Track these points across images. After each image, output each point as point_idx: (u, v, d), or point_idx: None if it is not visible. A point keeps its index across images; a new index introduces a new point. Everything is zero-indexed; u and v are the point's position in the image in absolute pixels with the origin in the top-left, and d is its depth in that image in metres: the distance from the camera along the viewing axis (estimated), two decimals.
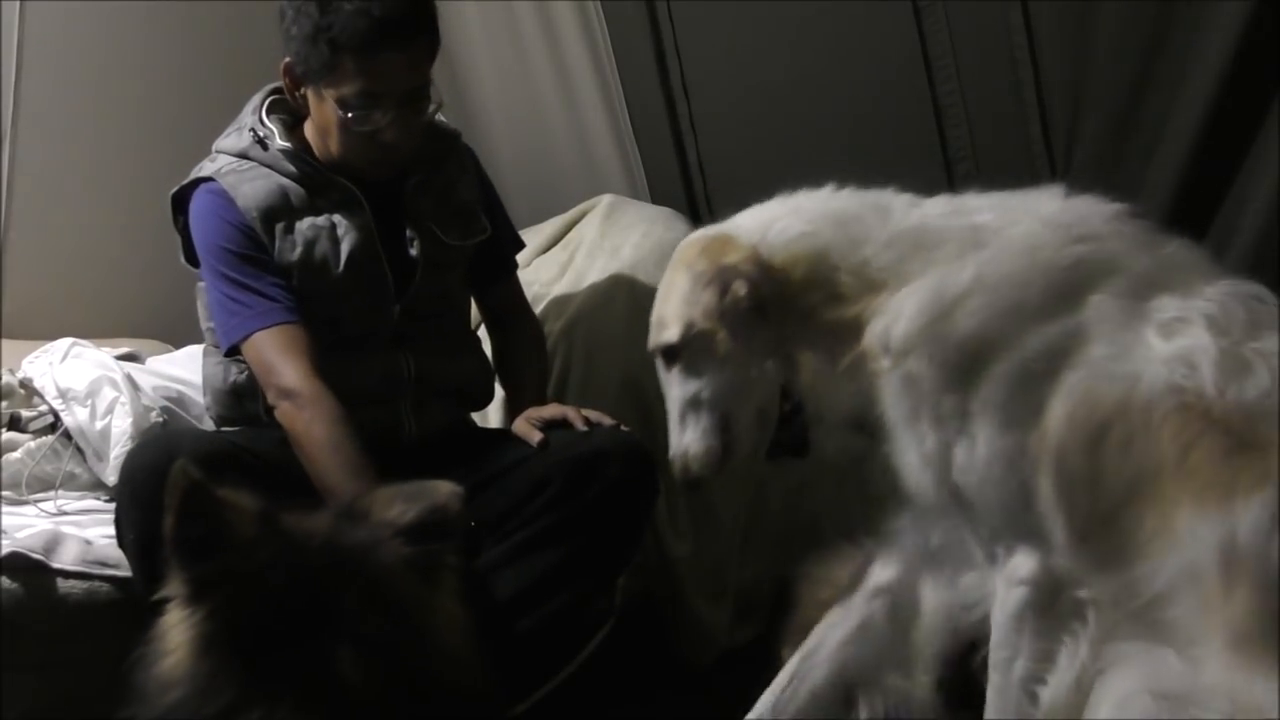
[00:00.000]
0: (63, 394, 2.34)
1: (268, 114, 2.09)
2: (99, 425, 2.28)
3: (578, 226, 2.98)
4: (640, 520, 2.04)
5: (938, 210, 1.64)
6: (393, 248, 2.07)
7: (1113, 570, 1.42)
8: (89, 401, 2.31)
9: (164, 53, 3.05)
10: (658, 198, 3.09)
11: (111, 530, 2.06)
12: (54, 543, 1.93)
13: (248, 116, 2.09)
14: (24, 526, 2.03)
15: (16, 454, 2.25)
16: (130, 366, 2.48)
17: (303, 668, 0.96)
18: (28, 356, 2.47)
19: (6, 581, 1.83)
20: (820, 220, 1.65)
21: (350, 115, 1.94)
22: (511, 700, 1.77)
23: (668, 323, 1.64)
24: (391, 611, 1.00)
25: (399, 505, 1.09)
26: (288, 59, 1.99)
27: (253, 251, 1.98)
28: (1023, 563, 1.48)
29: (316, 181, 2.03)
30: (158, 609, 1.09)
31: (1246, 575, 1.35)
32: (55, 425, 2.33)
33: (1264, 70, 2.28)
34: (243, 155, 2.04)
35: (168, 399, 2.39)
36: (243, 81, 3.13)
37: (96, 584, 1.90)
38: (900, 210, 1.64)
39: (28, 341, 2.60)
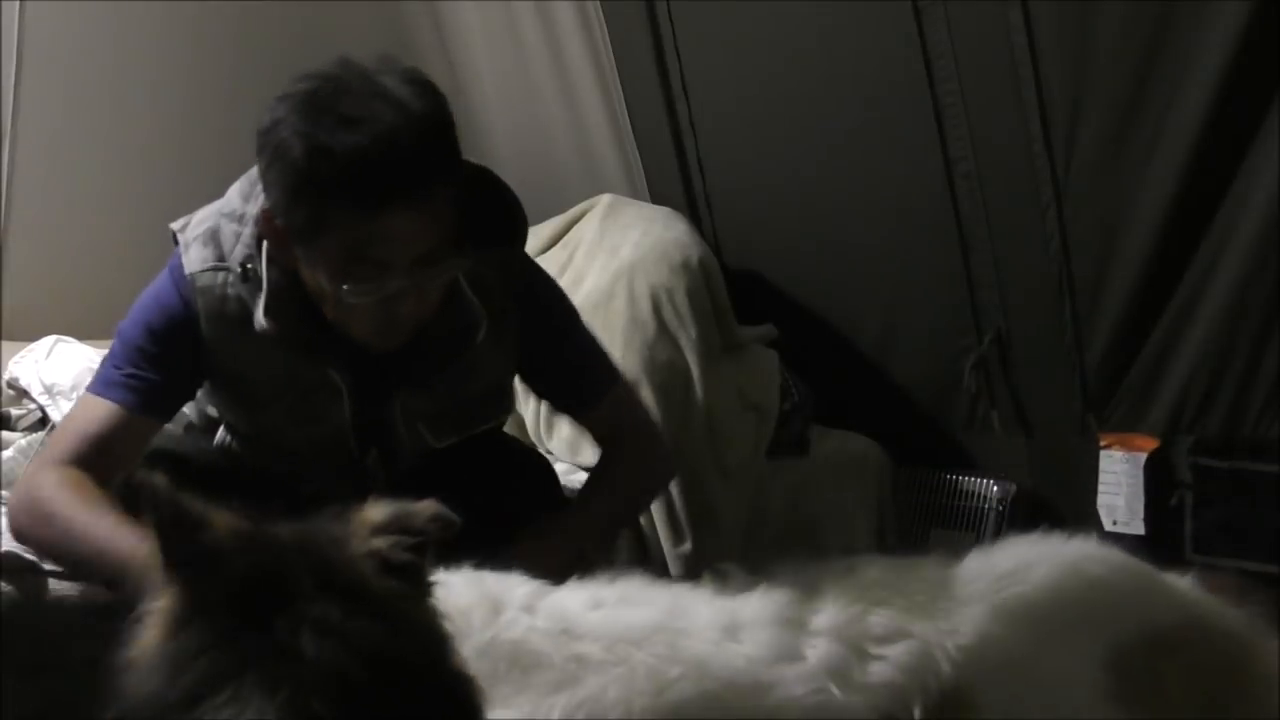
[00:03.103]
0: (48, 389, 2.34)
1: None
2: None
3: (577, 226, 2.99)
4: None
5: (546, 625, 1.32)
6: (376, 421, 1.74)
7: None
8: (74, 395, 2.31)
9: (165, 52, 3.05)
10: (657, 198, 3.10)
11: None
12: None
13: (251, 226, 1.63)
14: None
15: (9, 451, 2.25)
16: None
17: (267, 647, 0.97)
18: (14, 357, 2.47)
19: (2, 583, 1.83)
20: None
21: (346, 288, 1.52)
22: None
23: None
24: (351, 595, 1.02)
25: (380, 513, 1.10)
26: (265, 208, 1.56)
27: (170, 348, 1.67)
28: None
29: (299, 359, 1.67)
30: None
31: None
32: (44, 421, 2.33)
33: (1264, 70, 2.28)
34: (229, 271, 1.64)
35: None
36: (245, 81, 3.15)
37: (91, 585, 1.89)
38: (511, 611, 1.34)
39: (27, 343, 2.60)
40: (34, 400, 2.36)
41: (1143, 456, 2.61)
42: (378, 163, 1.44)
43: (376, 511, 1.08)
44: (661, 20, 2.97)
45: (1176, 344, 2.53)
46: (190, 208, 3.06)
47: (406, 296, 1.54)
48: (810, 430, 2.88)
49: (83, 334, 2.60)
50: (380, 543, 1.06)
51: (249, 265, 1.62)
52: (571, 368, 1.83)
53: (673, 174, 3.10)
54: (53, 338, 2.51)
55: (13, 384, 2.41)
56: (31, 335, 2.59)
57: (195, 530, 1.03)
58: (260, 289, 1.61)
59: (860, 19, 2.71)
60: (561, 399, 1.88)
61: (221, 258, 1.65)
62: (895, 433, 2.94)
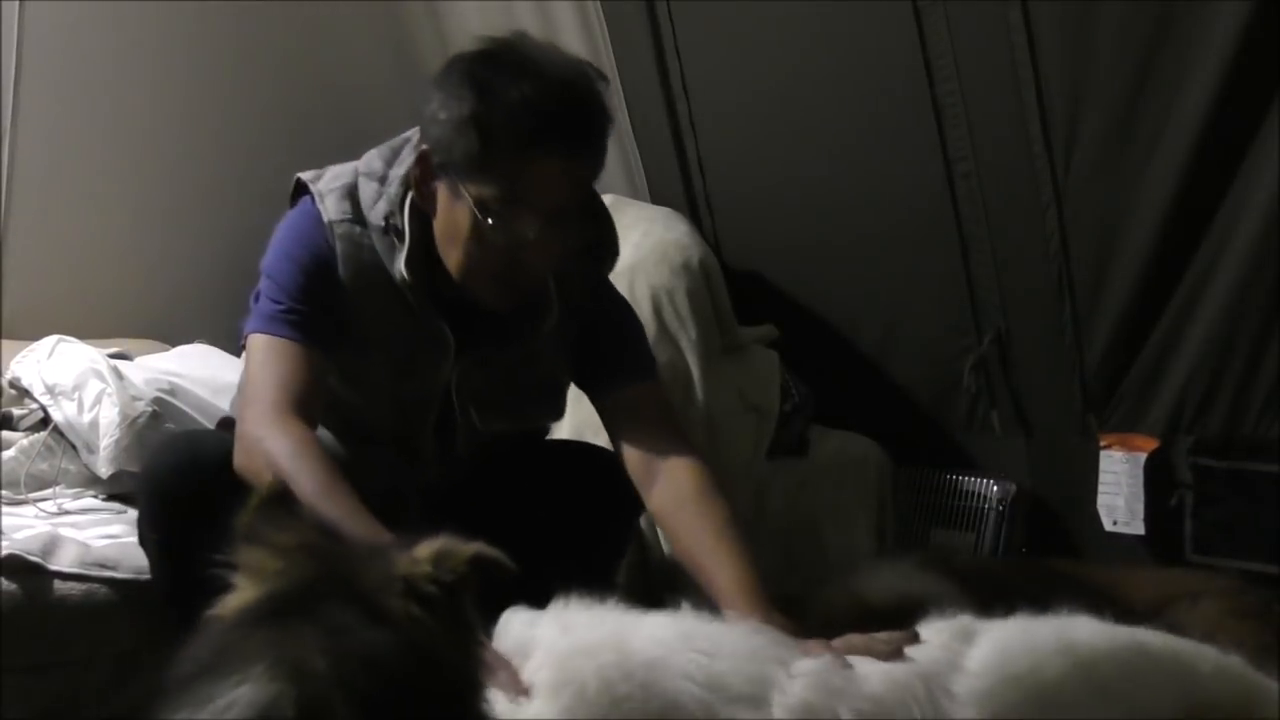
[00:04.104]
0: (50, 390, 2.34)
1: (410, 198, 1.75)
2: (87, 418, 2.28)
3: None
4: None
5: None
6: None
7: None
8: (76, 395, 2.31)
9: (165, 53, 3.05)
10: (657, 198, 3.10)
11: (110, 530, 2.08)
12: (52, 545, 1.92)
13: (395, 185, 1.76)
14: (22, 528, 2.03)
15: (11, 451, 2.25)
16: (119, 361, 2.48)
17: (277, 639, 1.01)
18: (15, 357, 2.47)
19: (6, 583, 1.83)
20: None
21: (489, 221, 1.64)
22: None
23: None
24: (366, 609, 1.04)
25: (431, 545, 1.12)
26: (425, 146, 1.70)
27: (320, 281, 1.74)
28: None
29: (418, 314, 1.76)
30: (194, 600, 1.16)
31: None
32: (46, 421, 2.33)
33: (1264, 70, 2.28)
34: (367, 225, 1.75)
35: (161, 390, 2.39)
36: (246, 81, 3.16)
37: (94, 585, 1.90)
38: None
39: (28, 343, 2.60)
40: (36, 400, 2.36)
41: (1143, 456, 2.62)
42: (542, 109, 1.60)
43: (431, 543, 1.11)
44: (661, 20, 2.97)
45: (1176, 344, 2.53)
46: (189, 208, 3.09)
47: (535, 247, 1.66)
48: (810, 430, 2.88)
49: (83, 334, 2.60)
50: (415, 570, 1.08)
51: (390, 219, 1.74)
52: (622, 348, 1.89)
53: (673, 174, 3.10)
54: (54, 338, 2.51)
55: (14, 384, 2.41)
56: (32, 335, 2.58)
57: (251, 543, 1.12)
58: (396, 244, 1.74)
59: (860, 19, 2.71)
60: (607, 374, 1.87)
61: (358, 211, 1.77)
62: (895, 433, 2.94)
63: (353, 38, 3.28)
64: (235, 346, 2.92)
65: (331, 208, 1.76)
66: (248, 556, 1.12)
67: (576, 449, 2.07)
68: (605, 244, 1.89)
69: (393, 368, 1.79)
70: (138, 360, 2.60)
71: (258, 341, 1.72)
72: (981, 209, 2.69)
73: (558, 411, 1.97)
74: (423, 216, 1.73)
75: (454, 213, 1.67)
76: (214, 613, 1.11)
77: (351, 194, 1.77)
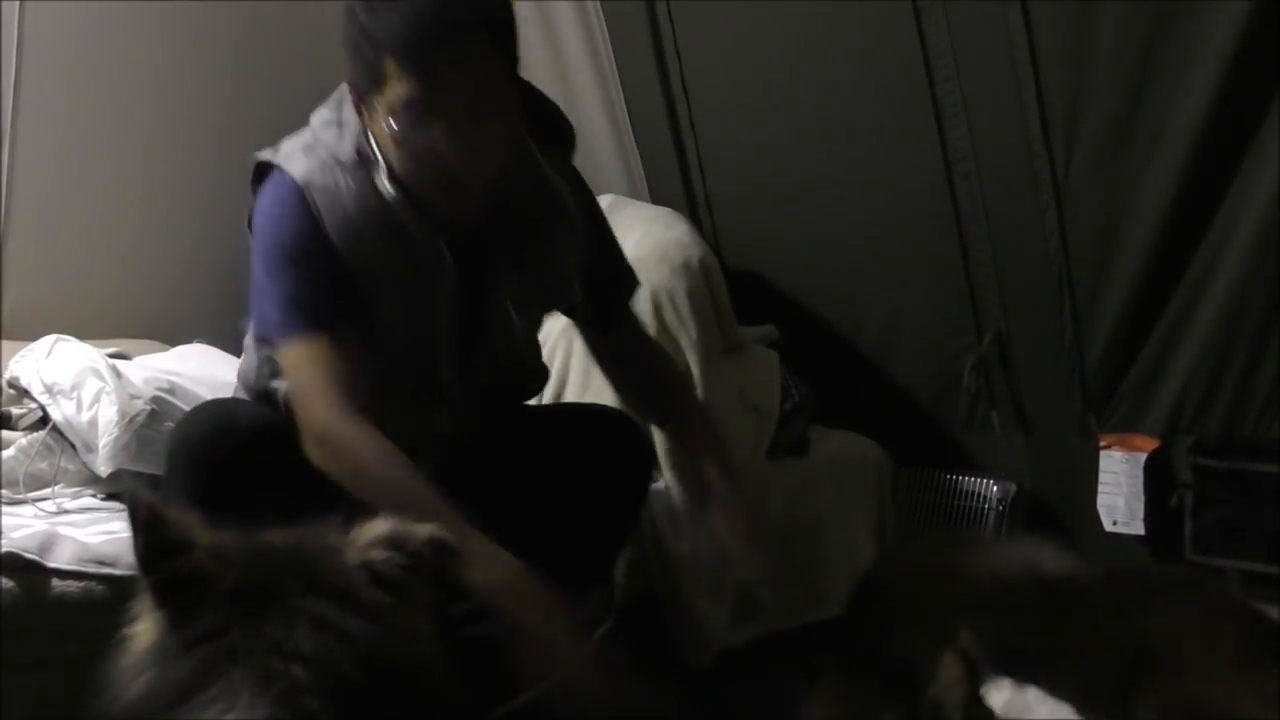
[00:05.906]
0: (49, 389, 2.33)
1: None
2: (86, 416, 2.28)
3: None
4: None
5: None
6: (462, 306, 1.86)
7: None
8: (75, 394, 2.31)
9: (165, 52, 3.05)
10: (657, 198, 3.10)
11: (109, 527, 2.07)
12: (49, 543, 1.92)
13: (353, 122, 1.79)
14: (19, 526, 2.02)
15: (10, 451, 2.25)
16: (117, 361, 2.48)
17: (258, 642, 0.99)
18: (14, 356, 2.47)
19: (5, 581, 1.83)
20: None
21: (398, 128, 1.68)
22: (501, 699, 1.75)
23: None
24: (340, 600, 1.03)
25: (378, 529, 1.11)
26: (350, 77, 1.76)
27: (320, 256, 1.76)
28: None
29: (409, 233, 1.78)
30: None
31: None
32: (45, 420, 2.33)
33: (1264, 70, 2.28)
34: (340, 165, 1.78)
35: (160, 389, 2.39)
36: (246, 81, 3.16)
37: (92, 583, 1.89)
38: None
39: (27, 343, 2.60)
40: (34, 399, 2.36)
41: (1143, 456, 2.62)
42: (419, 12, 1.64)
43: (376, 527, 1.09)
44: (661, 20, 2.98)
45: (1176, 344, 2.53)
46: (189, 208, 3.09)
47: (456, 146, 1.68)
48: (810, 430, 2.88)
49: (83, 334, 2.60)
50: (373, 555, 1.07)
51: (360, 150, 1.77)
52: (611, 275, 2.01)
53: (673, 174, 3.10)
54: (53, 337, 2.51)
55: (13, 383, 2.40)
56: (31, 335, 2.58)
57: (176, 554, 1.05)
58: (373, 169, 1.76)
59: (860, 19, 2.71)
60: (599, 305, 2.00)
61: (329, 158, 1.78)
62: (895, 433, 2.94)
63: None
64: (234, 346, 2.94)
65: (299, 167, 1.77)
66: (180, 565, 1.05)
67: (590, 411, 2.13)
68: (553, 124, 1.93)
69: (401, 296, 1.81)
70: (137, 359, 2.60)
71: (292, 349, 1.74)
72: (981, 209, 2.69)
73: (573, 297, 1.99)
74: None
75: (379, 129, 1.72)
76: (160, 627, 1.06)
77: (314, 148, 1.80)
